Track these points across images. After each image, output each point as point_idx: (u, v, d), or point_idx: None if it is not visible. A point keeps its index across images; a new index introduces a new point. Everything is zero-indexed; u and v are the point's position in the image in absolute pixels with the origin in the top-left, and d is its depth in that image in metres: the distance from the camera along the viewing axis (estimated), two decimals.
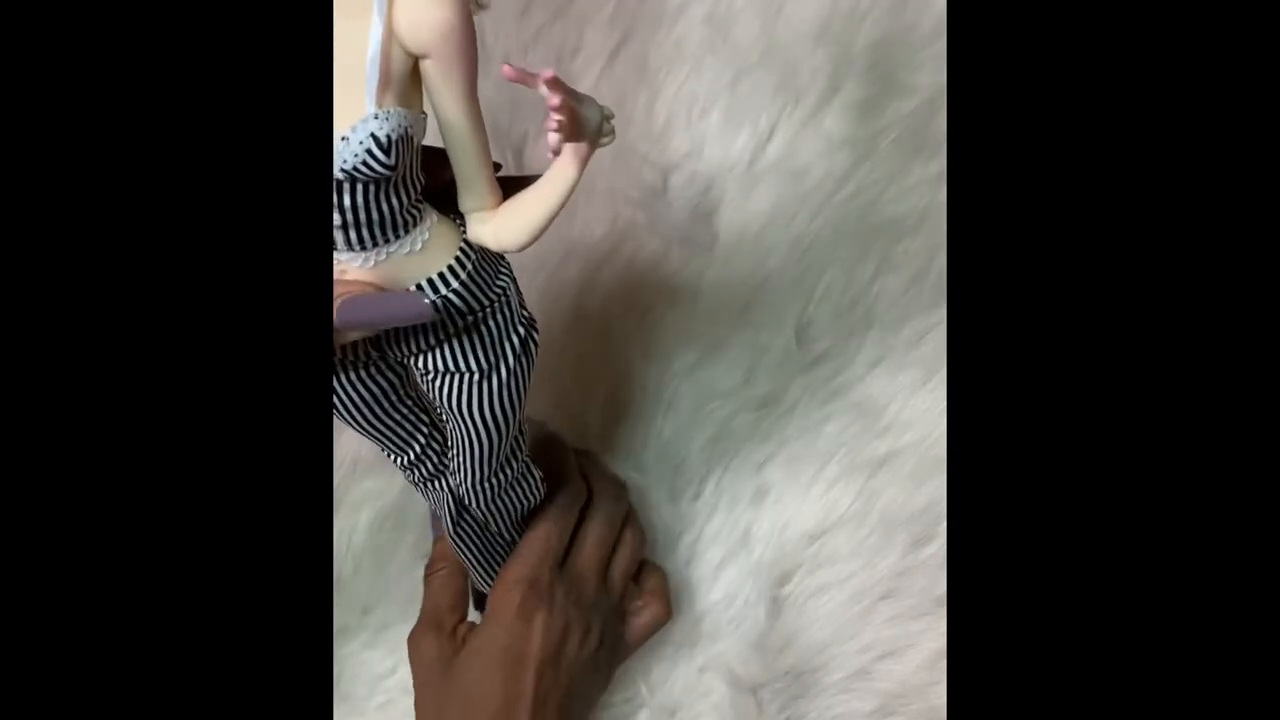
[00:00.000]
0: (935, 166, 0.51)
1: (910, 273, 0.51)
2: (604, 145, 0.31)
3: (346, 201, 0.28)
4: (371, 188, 0.28)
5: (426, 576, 0.46)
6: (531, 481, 0.42)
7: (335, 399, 0.35)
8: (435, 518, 0.44)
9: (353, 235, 0.29)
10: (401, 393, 0.37)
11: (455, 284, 0.32)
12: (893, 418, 0.51)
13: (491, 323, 0.33)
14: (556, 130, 0.27)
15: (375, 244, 0.30)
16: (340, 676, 0.50)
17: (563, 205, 0.31)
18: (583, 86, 0.53)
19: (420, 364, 0.35)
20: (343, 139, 0.27)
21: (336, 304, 0.29)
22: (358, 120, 0.27)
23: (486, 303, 0.33)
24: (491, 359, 0.34)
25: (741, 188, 0.52)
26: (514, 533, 0.44)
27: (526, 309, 0.35)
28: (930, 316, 0.51)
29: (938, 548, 0.50)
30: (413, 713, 0.49)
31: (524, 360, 0.35)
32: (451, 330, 0.33)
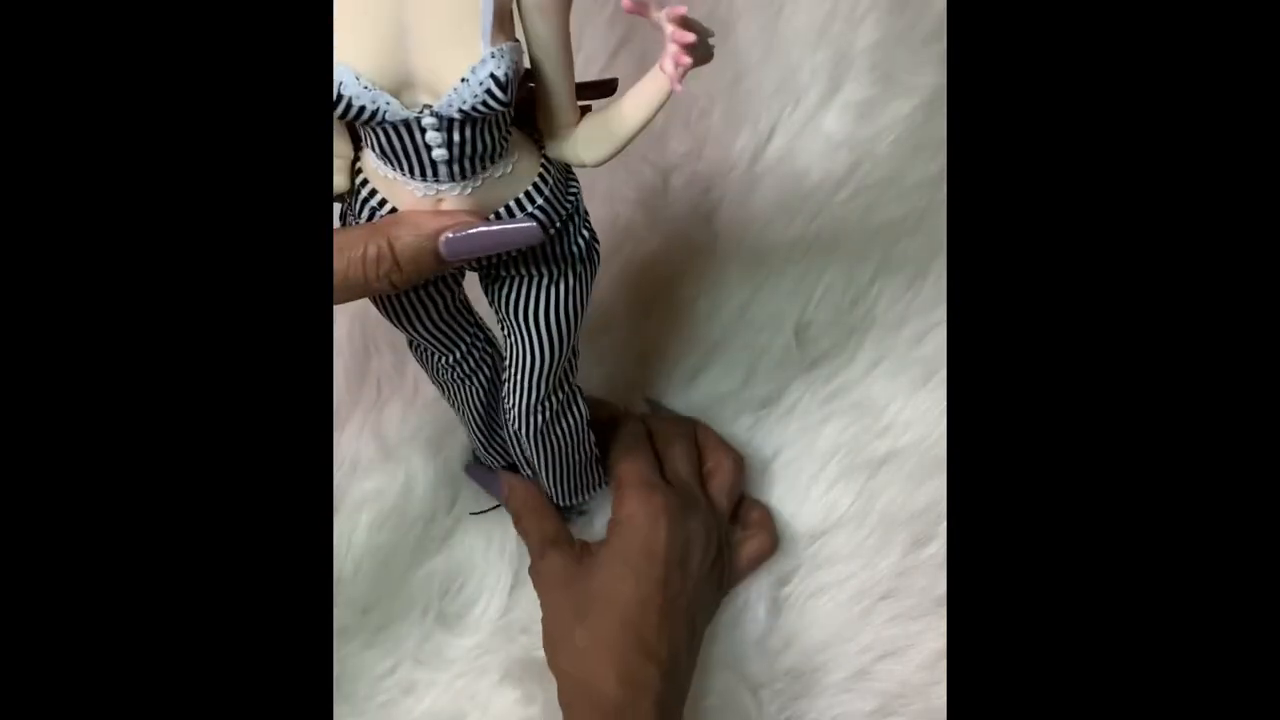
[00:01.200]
0: (935, 166, 0.51)
1: (910, 273, 0.51)
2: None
3: (456, 137, 0.29)
4: (481, 123, 0.29)
5: (518, 524, 0.47)
6: (577, 414, 0.43)
7: (395, 310, 0.37)
8: (484, 486, 0.45)
9: (456, 169, 0.30)
10: (456, 302, 0.39)
11: (540, 200, 0.33)
12: (893, 418, 0.51)
13: (558, 225, 0.34)
14: (689, 63, 0.29)
15: (475, 172, 0.31)
16: (340, 676, 0.50)
17: (649, 123, 0.32)
18: None
19: (488, 271, 0.36)
20: (462, 80, 0.28)
21: (442, 238, 0.30)
22: (473, 62, 0.28)
23: (565, 215, 0.34)
24: (560, 264, 0.35)
25: (741, 188, 0.52)
26: (552, 469, 0.45)
27: (590, 221, 0.36)
28: (930, 316, 0.51)
29: (938, 548, 0.50)
30: (413, 713, 0.49)
31: (587, 267, 0.36)
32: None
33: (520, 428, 0.41)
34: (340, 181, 0.33)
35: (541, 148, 0.33)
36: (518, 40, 0.29)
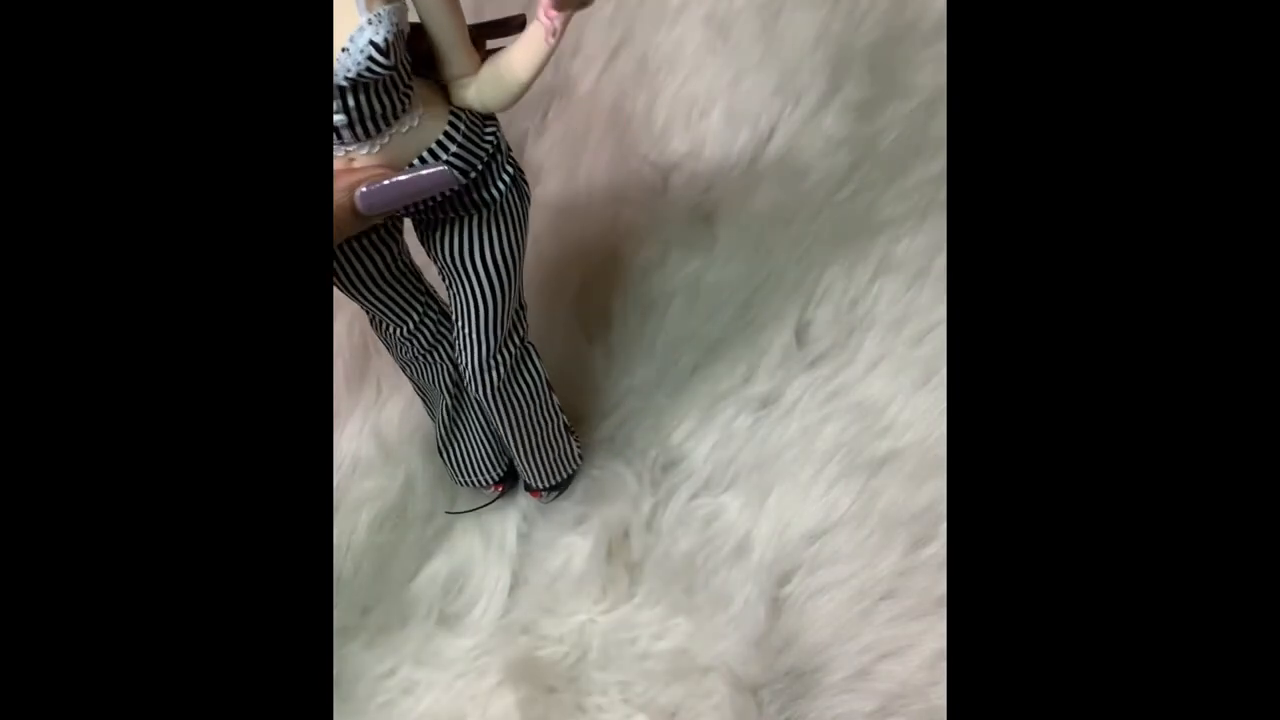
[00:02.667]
0: (935, 166, 0.51)
1: (910, 273, 0.51)
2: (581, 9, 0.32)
3: (350, 102, 0.31)
4: (374, 85, 0.31)
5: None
6: (534, 371, 0.43)
7: (336, 271, 0.38)
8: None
9: (359, 129, 0.31)
10: (398, 262, 0.39)
11: (454, 148, 0.34)
12: (893, 418, 0.51)
13: (479, 169, 0.35)
14: (556, 16, 0.30)
15: (380, 130, 0.32)
16: (340, 676, 0.50)
17: (541, 71, 0.33)
18: (583, 87, 0.52)
19: (421, 217, 0.37)
20: (343, 50, 0.29)
21: (357, 193, 0.31)
22: (352, 31, 0.29)
23: (484, 157, 0.35)
24: (489, 205, 0.36)
25: (741, 188, 0.52)
26: (517, 434, 0.45)
27: (513, 157, 0.37)
28: (930, 316, 0.51)
29: (938, 548, 0.50)
30: (413, 713, 0.49)
31: (514, 200, 0.37)
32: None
33: (478, 388, 0.42)
34: None
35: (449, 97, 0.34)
36: (403, 1, 0.30)
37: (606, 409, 0.53)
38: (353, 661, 0.50)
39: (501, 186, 0.36)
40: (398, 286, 0.40)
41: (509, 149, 0.36)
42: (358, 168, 0.32)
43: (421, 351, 0.43)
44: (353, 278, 0.38)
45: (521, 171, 0.37)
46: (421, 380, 0.45)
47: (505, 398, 0.43)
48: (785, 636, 0.50)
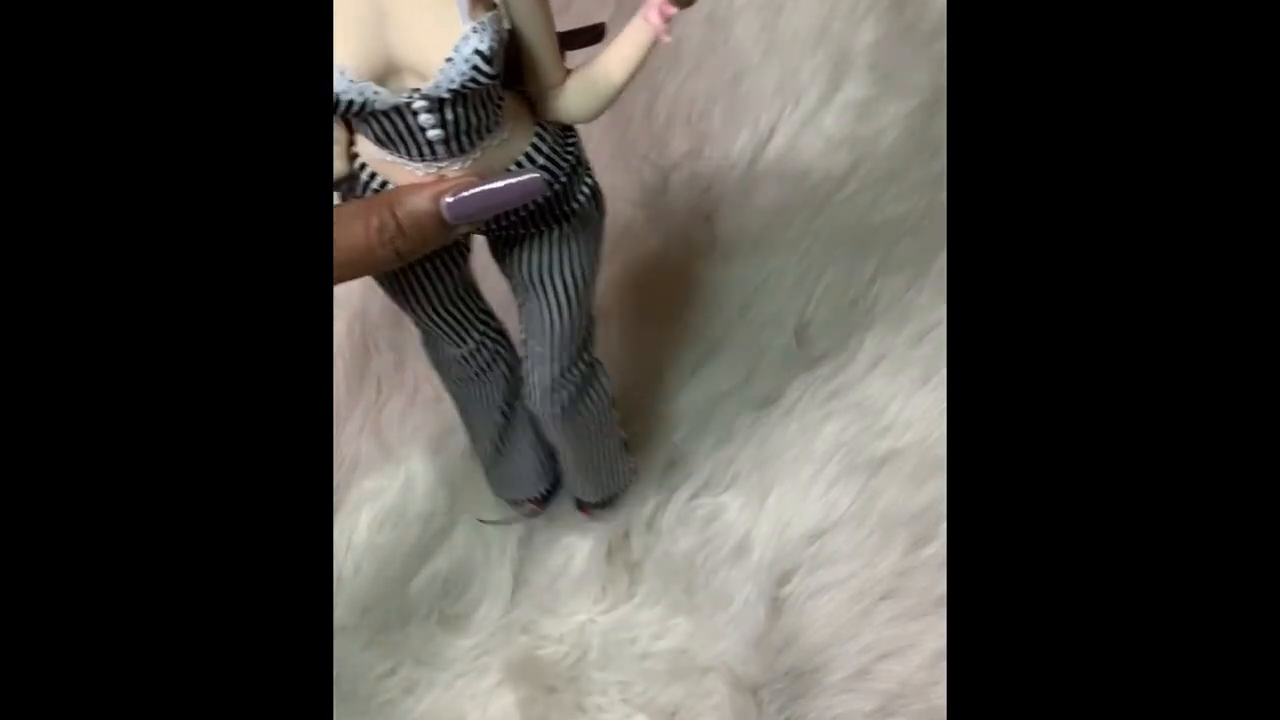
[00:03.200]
0: (935, 166, 0.51)
1: (910, 273, 0.51)
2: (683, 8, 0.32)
3: (449, 115, 0.30)
4: (472, 97, 0.30)
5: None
6: (601, 390, 0.42)
7: (403, 288, 0.37)
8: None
9: (453, 144, 0.31)
10: (464, 282, 0.39)
11: (540, 160, 0.33)
12: (893, 418, 0.51)
13: (564, 181, 0.35)
14: (673, 12, 0.30)
15: (473, 144, 0.31)
16: (340, 676, 0.50)
17: (635, 76, 0.32)
18: None
19: (498, 235, 0.36)
20: (448, 60, 0.28)
21: (444, 201, 0.30)
22: (455, 40, 0.28)
23: (566, 169, 0.34)
24: (568, 219, 0.35)
25: (741, 188, 0.52)
26: (580, 451, 0.44)
27: (591, 171, 0.36)
28: (930, 316, 0.51)
29: (938, 548, 0.50)
30: (413, 713, 0.49)
31: (594, 219, 0.37)
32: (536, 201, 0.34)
33: (548, 405, 0.41)
34: (340, 167, 0.33)
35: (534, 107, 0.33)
36: (496, 6, 0.29)
37: None
38: (353, 661, 0.50)
39: (582, 199, 0.35)
40: (462, 306, 0.39)
41: (588, 164, 0.36)
42: (448, 177, 0.31)
43: (476, 372, 0.42)
44: (420, 298, 0.38)
45: (599, 186, 0.36)
46: (470, 400, 0.44)
47: (573, 415, 0.42)
48: (785, 636, 0.50)
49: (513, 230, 0.35)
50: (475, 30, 0.28)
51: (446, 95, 0.29)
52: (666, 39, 0.30)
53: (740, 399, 0.51)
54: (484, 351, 0.42)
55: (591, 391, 0.42)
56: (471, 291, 0.40)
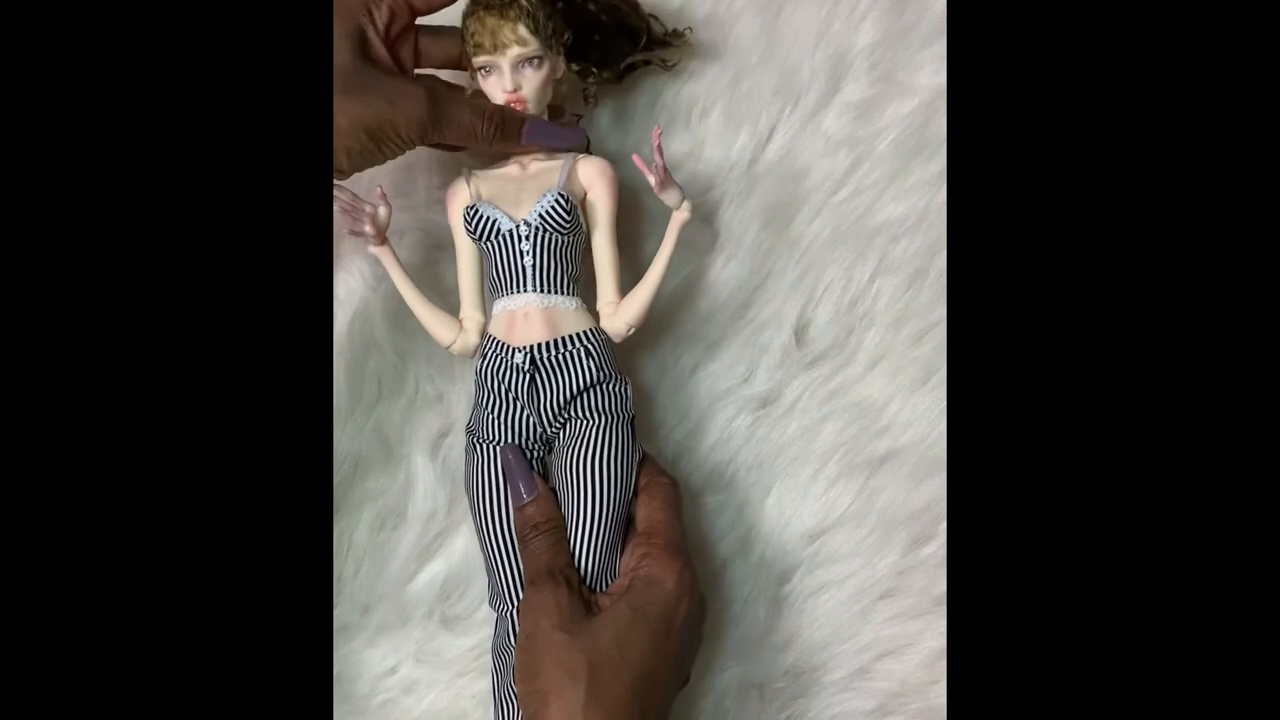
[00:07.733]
0: (935, 166, 0.51)
1: (910, 273, 0.51)
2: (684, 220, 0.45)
3: (540, 244, 0.43)
4: (554, 238, 0.43)
5: (529, 539, 0.44)
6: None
7: (473, 477, 0.45)
8: (517, 474, 0.45)
9: (542, 278, 0.44)
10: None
11: (599, 340, 0.45)
12: (892, 417, 0.51)
13: (610, 383, 0.45)
14: (663, 176, 0.43)
15: (553, 290, 0.44)
16: (340, 676, 0.50)
17: (658, 288, 0.45)
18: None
19: (558, 417, 0.45)
20: (538, 202, 0.43)
21: (528, 124, 0.44)
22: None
23: (612, 371, 0.45)
24: (611, 414, 0.45)
25: (741, 188, 0.52)
26: None
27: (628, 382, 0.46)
28: (930, 316, 0.51)
29: (938, 547, 0.50)
30: (413, 713, 0.49)
31: (629, 412, 0.45)
32: (587, 382, 0.44)
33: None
34: (474, 340, 0.45)
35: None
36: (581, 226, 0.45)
37: None
38: (353, 661, 0.50)
39: (622, 399, 0.45)
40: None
41: (628, 381, 0.46)
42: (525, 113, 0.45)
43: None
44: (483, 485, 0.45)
45: (630, 389, 0.46)
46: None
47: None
48: (785, 635, 0.50)
49: (569, 413, 0.44)
50: (560, 193, 0.43)
51: (535, 221, 0.43)
52: (685, 215, 0.45)
53: (740, 398, 0.51)
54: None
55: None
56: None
